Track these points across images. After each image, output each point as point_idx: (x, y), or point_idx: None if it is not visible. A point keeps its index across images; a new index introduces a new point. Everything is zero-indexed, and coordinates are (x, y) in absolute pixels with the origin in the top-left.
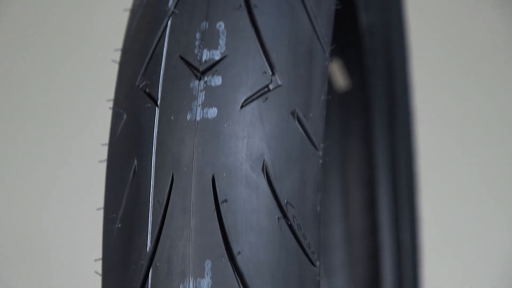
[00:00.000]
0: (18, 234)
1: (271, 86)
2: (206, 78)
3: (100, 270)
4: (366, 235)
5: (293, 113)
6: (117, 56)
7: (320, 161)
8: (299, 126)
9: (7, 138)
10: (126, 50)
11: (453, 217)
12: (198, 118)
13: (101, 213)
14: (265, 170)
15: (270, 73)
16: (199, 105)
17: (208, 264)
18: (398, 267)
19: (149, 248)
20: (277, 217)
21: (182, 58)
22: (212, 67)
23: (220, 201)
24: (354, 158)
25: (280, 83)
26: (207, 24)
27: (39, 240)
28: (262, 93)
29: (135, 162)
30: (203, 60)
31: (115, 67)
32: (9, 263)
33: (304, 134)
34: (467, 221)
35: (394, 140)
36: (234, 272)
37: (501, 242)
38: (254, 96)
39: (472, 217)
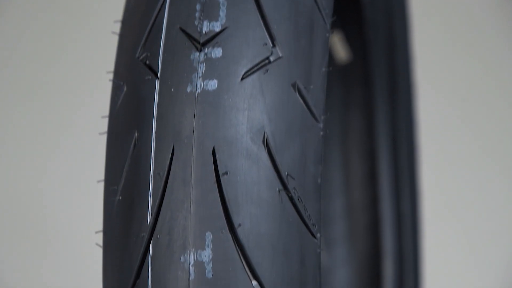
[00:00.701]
0: (18, 208)
1: (271, 58)
2: (206, 50)
3: (101, 242)
4: (366, 207)
5: (293, 85)
6: (117, 27)
7: (321, 133)
8: (299, 98)
9: (8, 109)
10: (126, 22)
11: (454, 190)
12: (198, 90)
13: (101, 186)
14: (265, 142)
15: (271, 45)
16: (199, 77)
17: (208, 236)
18: (399, 239)
19: (150, 220)
20: (277, 189)
21: (182, 30)
22: (212, 39)
23: (220, 173)
24: (355, 130)
25: (280, 55)
26: None
27: (39, 212)
28: (262, 65)
29: (136, 134)
30: (203, 32)
31: (115, 39)
32: (7, 234)
33: (304, 106)
34: (469, 194)
35: (395, 112)
36: (234, 244)
37: (503, 212)
38: (255, 68)
39: (473, 188)
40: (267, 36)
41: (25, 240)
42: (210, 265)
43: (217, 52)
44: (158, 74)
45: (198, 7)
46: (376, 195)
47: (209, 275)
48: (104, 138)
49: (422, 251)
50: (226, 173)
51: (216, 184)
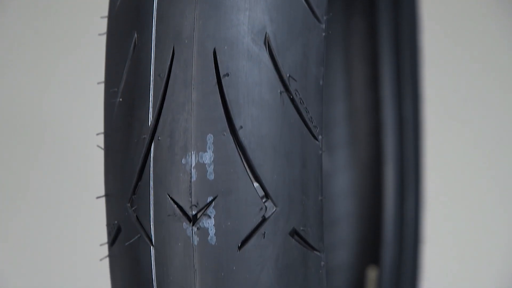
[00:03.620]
0: (18, 111)
1: None
2: None
3: (102, 145)
4: (368, 112)
5: None
6: None
7: (323, 34)
8: None
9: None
10: None
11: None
12: None
13: (102, 87)
14: (267, 43)
15: None
16: None
17: (210, 138)
18: (400, 143)
19: (151, 122)
20: (279, 91)
21: None
22: None
23: (221, 74)
24: (357, 33)
25: None
26: None
27: (39, 115)
28: None
29: (135, 35)
30: None
31: None
32: (8, 139)
33: (306, 6)
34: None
35: (398, 15)
36: (236, 146)
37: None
38: None
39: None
40: None
41: (22, 137)
42: (212, 167)
43: None
44: None
45: None
46: (378, 100)
47: (211, 176)
48: (103, 39)
49: (423, 155)
50: (227, 74)
51: (217, 86)
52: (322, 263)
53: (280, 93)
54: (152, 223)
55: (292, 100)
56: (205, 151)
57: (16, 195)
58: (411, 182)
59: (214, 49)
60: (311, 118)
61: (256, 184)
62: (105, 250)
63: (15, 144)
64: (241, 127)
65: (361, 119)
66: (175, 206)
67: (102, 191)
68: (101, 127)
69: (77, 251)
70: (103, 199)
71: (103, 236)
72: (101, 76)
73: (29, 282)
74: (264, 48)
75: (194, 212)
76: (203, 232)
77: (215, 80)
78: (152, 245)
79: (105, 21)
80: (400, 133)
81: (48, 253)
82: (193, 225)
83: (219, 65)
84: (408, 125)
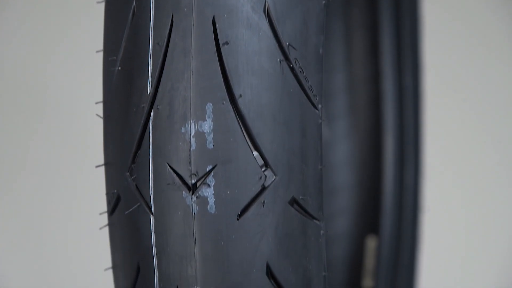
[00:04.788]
0: (17, 77)
1: None
2: None
3: (101, 113)
4: (368, 81)
5: None
6: None
7: (323, 2)
8: None
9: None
10: None
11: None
12: None
13: (100, 56)
14: (266, 11)
15: None
16: None
17: (209, 107)
18: (400, 113)
19: (150, 91)
20: (279, 59)
21: None
22: None
23: (221, 43)
24: (357, 1)
25: None
26: None
27: (37, 84)
28: None
29: (134, 3)
30: None
31: None
32: (7, 107)
33: None
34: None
35: None
36: (235, 114)
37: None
38: None
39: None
40: None
41: (22, 107)
42: (211, 136)
43: None
44: None
45: None
46: (378, 69)
47: (210, 145)
48: (102, 7)
49: (423, 126)
50: (227, 43)
51: (216, 54)
52: (322, 232)
53: (280, 62)
54: (151, 192)
55: (292, 69)
56: (204, 120)
57: (15, 162)
58: (410, 152)
59: (213, 17)
60: (311, 87)
61: (255, 153)
62: (104, 219)
63: (14, 113)
64: (241, 95)
65: (361, 88)
66: (175, 175)
67: (101, 160)
68: (100, 96)
69: (77, 219)
70: (103, 168)
71: (103, 205)
72: (100, 45)
73: (25, 246)
74: (264, 16)
75: (193, 181)
76: (203, 201)
77: (215, 48)
78: (152, 214)
79: None
80: (400, 103)
81: (47, 221)
82: (192, 194)
83: (218, 33)
84: (408, 94)
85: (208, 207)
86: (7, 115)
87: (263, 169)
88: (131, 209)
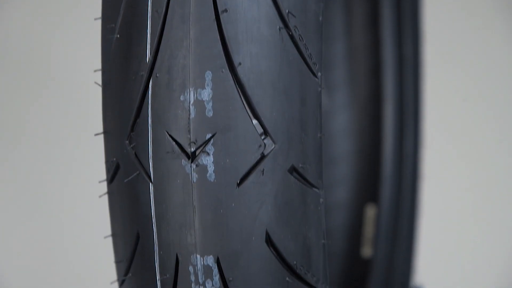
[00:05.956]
0: (15, 45)
1: None
2: None
3: (100, 81)
4: (368, 50)
5: None
6: None
7: None
8: None
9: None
10: None
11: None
12: None
13: (99, 23)
14: None
15: None
16: None
17: (208, 75)
18: (400, 83)
19: (149, 59)
20: (278, 27)
21: None
22: None
23: (220, 10)
24: None
25: None
26: None
27: (37, 51)
28: None
29: None
30: None
31: None
32: (5, 77)
33: None
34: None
35: None
36: (235, 82)
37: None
38: None
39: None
40: None
41: (22, 74)
42: (210, 104)
43: None
44: None
45: None
46: (378, 39)
47: (209, 113)
48: None
49: (422, 95)
50: (226, 10)
51: (215, 22)
52: (321, 200)
53: (279, 29)
54: (150, 160)
55: (291, 37)
56: (203, 88)
57: (14, 130)
58: (410, 120)
59: None
60: (310, 54)
61: (255, 121)
62: (104, 187)
63: (11, 80)
64: (240, 63)
65: (361, 57)
66: (174, 143)
67: (100, 129)
68: (98, 64)
69: (76, 187)
70: (102, 136)
71: (102, 173)
72: (98, 12)
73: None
74: None
75: (193, 149)
76: (202, 169)
77: (214, 16)
78: (151, 182)
79: None
80: (400, 72)
81: (46, 189)
82: (192, 162)
83: (217, 0)
84: (408, 63)
85: (208, 175)
86: (6, 83)
87: (262, 137)
88: (130, 177)
